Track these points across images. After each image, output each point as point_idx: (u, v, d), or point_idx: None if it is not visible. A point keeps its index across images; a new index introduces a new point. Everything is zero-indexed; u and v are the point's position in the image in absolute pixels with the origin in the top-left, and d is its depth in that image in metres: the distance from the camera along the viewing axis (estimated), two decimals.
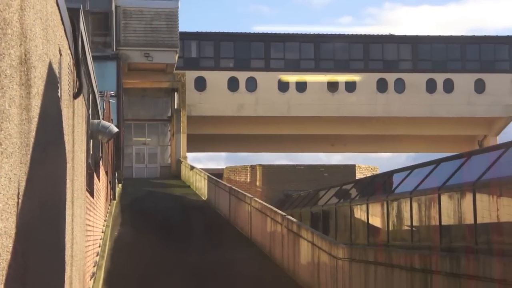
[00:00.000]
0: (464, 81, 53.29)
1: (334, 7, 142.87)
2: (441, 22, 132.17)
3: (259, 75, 52.16)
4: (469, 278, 11.26)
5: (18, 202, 4.58)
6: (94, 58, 16.67)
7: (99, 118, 16.49)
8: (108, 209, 28.97)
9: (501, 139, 53.80)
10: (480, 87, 53.44)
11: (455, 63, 53.92)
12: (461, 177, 15.00)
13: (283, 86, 52.36)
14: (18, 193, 4.59)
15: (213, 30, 53.39)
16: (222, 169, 46.71)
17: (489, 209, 13.43)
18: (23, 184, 4.78)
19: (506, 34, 55.33)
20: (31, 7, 5.02)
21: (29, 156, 5.05)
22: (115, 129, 15.29)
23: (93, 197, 15.47)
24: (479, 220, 13.58)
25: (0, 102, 3.95)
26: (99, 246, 20.60)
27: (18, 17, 4.50)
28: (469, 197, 14.01)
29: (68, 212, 8.45)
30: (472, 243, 13.69)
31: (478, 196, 13.69)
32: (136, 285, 19.61)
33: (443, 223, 15.21)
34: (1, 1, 3.93)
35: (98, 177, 17.96)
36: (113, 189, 32.50)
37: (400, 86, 53.22)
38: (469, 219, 14.02)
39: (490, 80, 53.45)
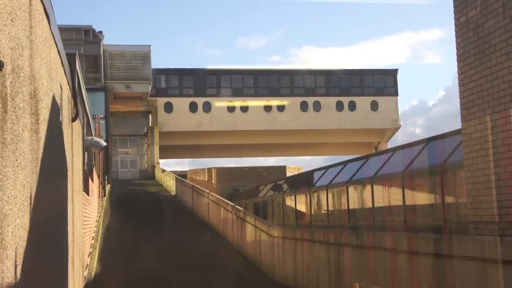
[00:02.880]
0: (363, 102, 54.18)
1: (266, 49, 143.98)
2: (345, 59, 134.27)
3: (212, 100, 52.02)
4: (369, 248, 11.45)
5: (30, 203, 4.50)
6: (87, 90, 16.41)
7: (92, 135, 16.19)
8: (100, 203, 28.44)
9: (390, 144, 54.95)
10: (374, 106, 54.42)
11: (356, 89, 54.76)
12: (363, 173, 15.24)
13: (231, 108, 52.35)
14: (31, 196, 4.51)
15: (177, 67, 53.06)
16: (186, 171, 46.36)
17: (383, 196, 13.69)
18: (34, 189, 4.70)
19: (391, 68, 56.55)
20: (38, 55, 4.94)
21: (38, 167, 4.97)
22: (104, 143, 15.05)
23: (88, 195, 15.19)
24: (376, 205, 13.81)
25: (16, 128, 3.89)
26: (94, 232, 20.22)
27: (29, 64, 4.43)
28: (368, 188, 14.24)
29: (69, 207, 8.30)
30: (371, 222, 13.92)
31: (374, 187, 13.93)
32: (122, 259, 19.33)
33: (350, 207, 15.42)
34: (15, 52, 3.87)
35: (92, 179, 17.64)
36: (103, 188, 31.90)
37: (317, 106, 53.76)
38: (368, 204, 14.25)
39: (382, 101, 54.49)
